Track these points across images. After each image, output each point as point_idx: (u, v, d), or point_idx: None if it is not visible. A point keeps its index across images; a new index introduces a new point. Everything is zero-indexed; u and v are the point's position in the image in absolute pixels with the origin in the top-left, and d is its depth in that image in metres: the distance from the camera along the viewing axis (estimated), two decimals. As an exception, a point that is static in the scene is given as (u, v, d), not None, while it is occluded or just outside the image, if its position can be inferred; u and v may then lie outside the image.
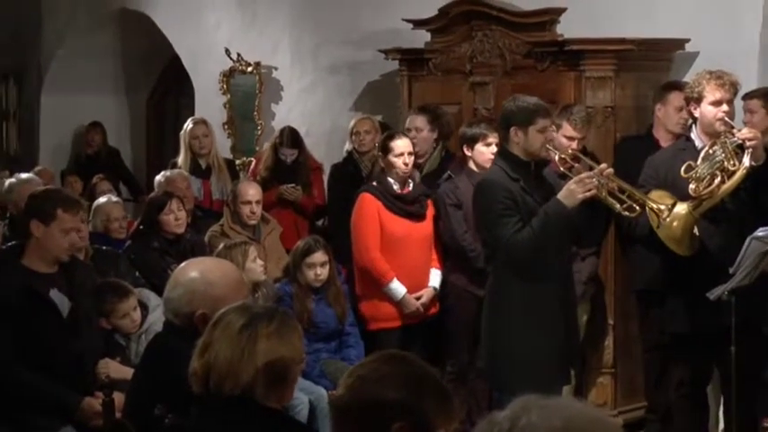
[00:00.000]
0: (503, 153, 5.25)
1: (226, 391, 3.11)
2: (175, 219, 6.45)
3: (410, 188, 6.35)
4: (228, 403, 3.11)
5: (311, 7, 8.45)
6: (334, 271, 6.26)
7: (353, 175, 7.36)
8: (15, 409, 4.65)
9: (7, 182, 7.47)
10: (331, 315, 6.16)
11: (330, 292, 6.16)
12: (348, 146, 7.54)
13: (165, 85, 11.04)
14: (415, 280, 6.29)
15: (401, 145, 6.25)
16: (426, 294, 6.30)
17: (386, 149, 6.30)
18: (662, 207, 5.12)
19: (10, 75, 11.43)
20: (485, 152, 6.07)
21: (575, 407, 1.98)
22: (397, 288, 6.20)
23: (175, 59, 9.77)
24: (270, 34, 8.77)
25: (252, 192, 6.87)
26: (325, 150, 8.16)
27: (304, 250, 6.12)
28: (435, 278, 6.38)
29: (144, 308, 5.49)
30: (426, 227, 6.34)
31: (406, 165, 6.23)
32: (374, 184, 6.41)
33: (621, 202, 5.14)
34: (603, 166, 5.19)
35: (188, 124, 8.11)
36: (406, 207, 6.30)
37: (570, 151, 5.55)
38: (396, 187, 6.30)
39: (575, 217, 5.03)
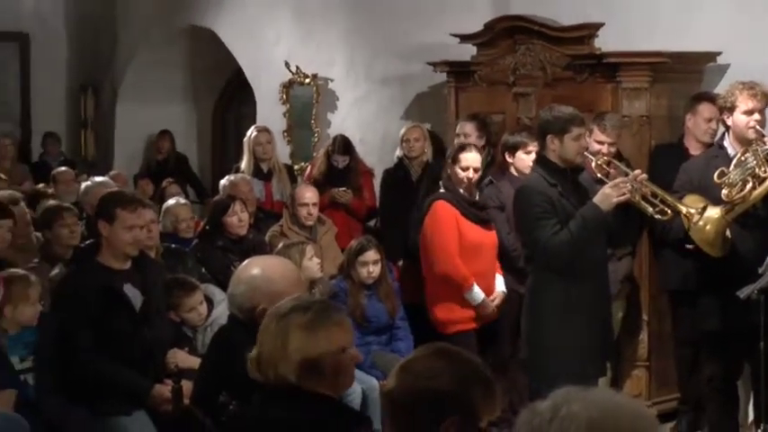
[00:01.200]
0: (541, 160, 5.20)
1: (272, 379, 3.11)
2: (238, 220, 6.48)
3: (476, 196, 6.16)
4: (280, 391, 3.10)
5: (365, 23, 8.45)
6: (386, 269, 6.24)
7: (404, 179, 7.38)
8: (94, 394, 4.70)
9: (83, 185, 7.55)
10: (382, 310, 6.13)
11: (381, 288, 6.14)
12: (399, 152, 7.53)
13: (229, 96, 11.11)
14: (486, 285, 6.11)
15: (469, 158, 6.03)
16: (498, 297, 6.15)
17: (455, 159, 6.08)
18: (692, 211, 5.05)
19: (88, 87, 11.56)
20: (525, 159, 6.03)
21: (612, 398, 1.97)
22: (478, 293, 6.01)
23: (239, 72, 9.83)
24: (326, 48, 8.78)
25: (309, 195, 6.89)
26: (378, 156, 8.16)
27: (357, 249, 6.11)
28: (501, 283, 6.19)
29: (209, 302, 5.53)
30: (495, 233, 6.15)
31: (468, 179, 6.02)
32: (442, 191, 6.13)
33: (654, 206, 5.08)
34: (637, 171, 5.14)
35: (252, 132, 8.15)
36: (478, 214, 6.10)
37: (605, 157, 5.50)
38: (466, 194, 6.11)
39: (610, 220, 4.99)
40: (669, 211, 5.07)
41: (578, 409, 1.91)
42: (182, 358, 5.07)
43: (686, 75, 6.49)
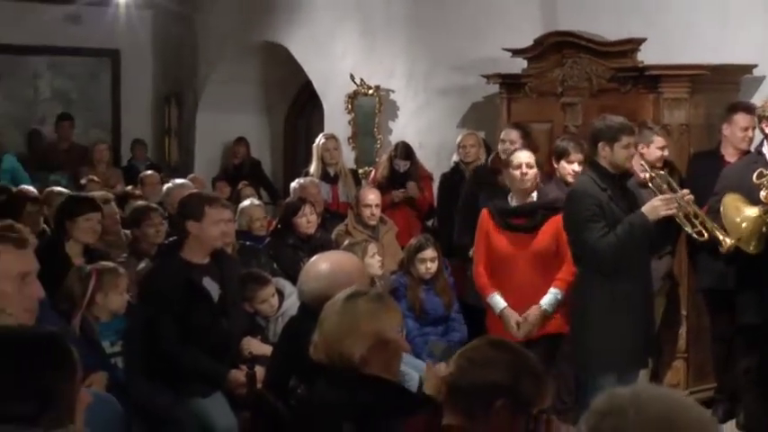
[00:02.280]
0: (592, 165, 5.14)
1: (336, 360, 3.13)
2: (307, 221, 6.50)
3: (528, 200, 5.54)
4: (342, 373, 3.13)
5: (423, 39, 8.45)
6: (442, 265, 6.22)
7: (460, 182, 7.35)
8: (177, 378, 4.76)
9: (165, 186, 7.63)
10: (439, 303, 6.10)
11: (438, 283, 6.11)
12: (455, 157, 7.54)
13: (299, 106, 11.16)
14: (522, 297, 5.46)
15: (520, 156, 5.52)
16: (532, 313, 5.42)
17: (507, 164, 5.60)
18: (728, 241, 5.00)
19: (171, 98, 11.69)
20: (566, 168, 5.95)
21: (681, 397, 1.98)
22: (497, 302, 5.49)
23: (308, 84, 9.88)
24: (388, 62, 8.80)
25: (372, 196, 6.90)
26: (436, 161, 8.16)
27: (417, 247, 6.10)
28: (549, 297, 5.40)
29: (280, 294, 5.55)
30: (537, 242, 5.46)
31: (524, 174, 5.44)
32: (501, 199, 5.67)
33: (693, 225, 5.04)
34: (685, 191, 5.10)
35: (320, 139, 8.19)
36: (510, 221, 5.52)
37: (660, 171, 5.40)
38: (513, 201, 5.56)
39: (653, 229, 4.93)
40: (706, 234, 5.01)
41: (655, 397, 1.91)
42: (255, 346, 5.10)
43: (724, 86, 6.40)
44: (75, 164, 10.22)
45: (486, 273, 5.61)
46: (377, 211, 6.87)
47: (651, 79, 6.19)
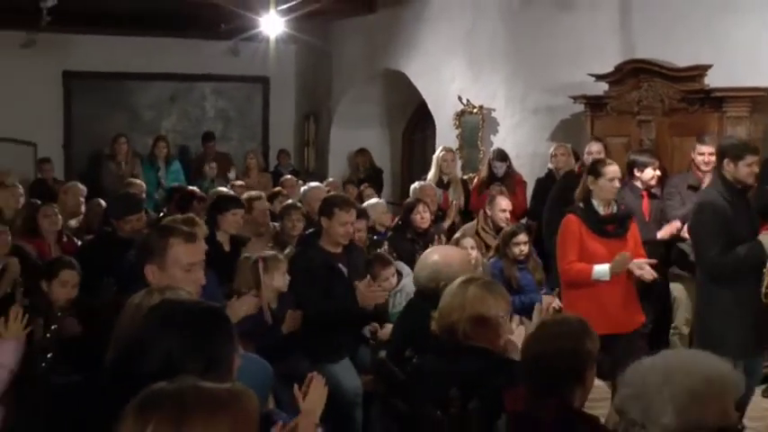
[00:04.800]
0: (719, 178, 4.82)
1: (445, 330, 3.20)
2: (421, 218, 6.53)
3: (612, 210, 5.13)
4: (451, 343, 3.19)
5: (521, 66, 8.43)
6: (533, 248, 6.17)
7: (552, 186, 7.28)
8: (313, 347, 4.78)
9: (302, 188, 7.77)
10: (531, 280, 6.00)
11: (530, 263, 6.03)
12: (549, 165, 7.51)
13: (414, 123, 11.22)
14: (622, 297, 5.11)
15: (613, 170, 5.06)
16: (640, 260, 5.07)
17: (597, 173, 5.06)
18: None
19: (310, 115, 11.92)
20: (637, 177, 5.92)
21: (706, 355, 2.00)
22: (601, 268, 4.95)
23: (423, 104, 9.95)
24: (490, 85, 8.80)
25: (504, 203, 6.72)
26: (530, 169, 8.13)
27: (510, 233, 6.01)
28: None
29: (399, 275, 5.61)
30: (629, 246, 5.10)
31: (615, 188, 5.08)
32: (580, 205, 5.11)
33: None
34: None
35: (440, 151, 8.23)
36: (605, 228, 5.08)
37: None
38: (600, 209, 5.09)
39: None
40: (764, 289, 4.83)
41: (682, 357, 1.93)
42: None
43: (781, 105, 6.23)
44: (222, 167, 10.34)
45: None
46: (509, 215, 6.73)
47: (716, 100, 6.09)
